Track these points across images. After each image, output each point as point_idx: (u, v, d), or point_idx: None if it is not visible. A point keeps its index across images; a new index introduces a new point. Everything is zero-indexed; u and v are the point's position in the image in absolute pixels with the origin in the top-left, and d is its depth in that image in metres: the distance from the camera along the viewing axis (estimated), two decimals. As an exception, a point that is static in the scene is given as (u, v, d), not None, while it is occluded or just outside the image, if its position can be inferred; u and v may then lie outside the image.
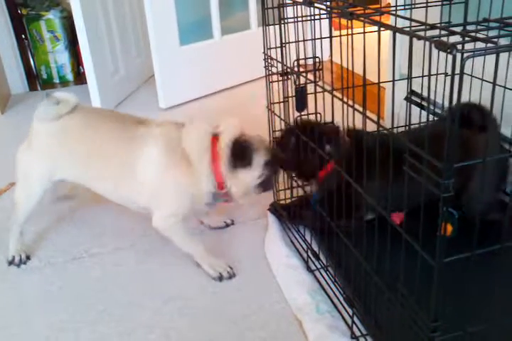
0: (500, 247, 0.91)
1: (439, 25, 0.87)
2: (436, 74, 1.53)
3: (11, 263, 1.71)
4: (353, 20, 1.05)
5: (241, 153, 1.50)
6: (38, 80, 3.87)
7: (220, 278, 1.57)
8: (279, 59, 1.60)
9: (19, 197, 1.70)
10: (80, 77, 3.88)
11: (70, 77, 3.91)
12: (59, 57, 3.85)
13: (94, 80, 3.00)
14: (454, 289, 1.00)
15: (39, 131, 1.64)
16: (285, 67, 1.59)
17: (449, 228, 1.55)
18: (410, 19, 0.94)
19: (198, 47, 3.17)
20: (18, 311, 1.53)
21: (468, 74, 1.53)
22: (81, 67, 3.88)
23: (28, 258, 1.74)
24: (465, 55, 0.69)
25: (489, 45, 0.71)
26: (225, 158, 1.50)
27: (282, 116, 1.67)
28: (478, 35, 0.74)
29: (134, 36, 3.55)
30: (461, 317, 0.95)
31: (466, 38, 0.72)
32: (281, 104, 1.66)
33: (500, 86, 1.46)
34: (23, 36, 3.75)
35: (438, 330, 0.93)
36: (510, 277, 1.08)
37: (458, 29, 0.82)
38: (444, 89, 1.41)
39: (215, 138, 1.53)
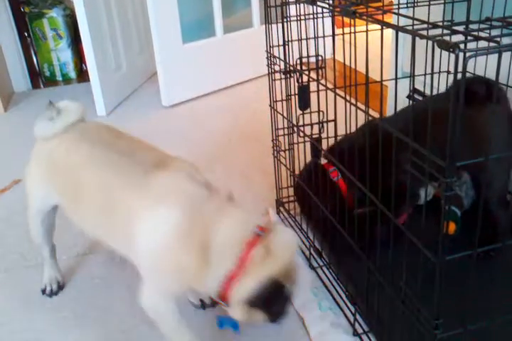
0: (502, 245, 0.91)
1: (441, 24, 0.87)
2: (439, 72, 1.54)
3: (43, 292, 1.57)
4: (356, 19, 1.06)
5: (271, 298, 1.10)
6: (40, 78, 3.89)
7: None
8: (282, 57, 1.60)
9: (27, 218, 1.51)
10: (82, 75, 3.89)
11: (72, 74, 3.92)
12: (62, 55, 3.85)
13: (97, 78, 3.01)
14: (455, 286, 1.01)
15: (37, 147, 1.42)
16: (288, 66, 1.60)
17: (452, 226, 1.55)
18: (413, 18, 0.95)
19: (201, 45, 3.17)
20: (21, 307, 1.54)
21: (470, 73, 1.53)
22: (84, 65, 3.89)
23: (60, 288, 1.58)
24: (467, 54, 0.69)
25: (491, 44, 0.71)
26: (250, 289, 1.08)
27: (285, 115, 1.68)
28: (481, 34, 0.74)
29: (137, 34, 3.55)
30: (462, 315, 0.96)
31: (469, 37, 0.72)
32: (284, 102, 1.66)
33: (502, 84, 1.47)
34: (26, 34, 3.76)
35: (440, 327, 0.94)
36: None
37: (460, 28, 0.83)
38: (446, 88, 1.42)
39: (256, 239, 1.10)
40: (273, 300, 1.10)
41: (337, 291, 1.45)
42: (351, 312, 1.34)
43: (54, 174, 1.35)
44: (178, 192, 1.14)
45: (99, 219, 1.25)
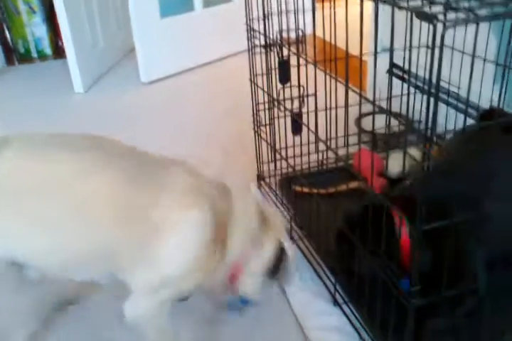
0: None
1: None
2: (418, 46, 1.55)
3: None
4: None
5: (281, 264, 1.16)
6: (15, 54, 3.79)
7: None
8: (262, 31, 1.59)
9: None
10: (58, 51, 3.80)
11: (48, 51, 3.82)
12: (36, 30, 3.76)
13: (74, 54, 2.95)
14: (432, 256, 1.04)
15: None
16: (268, 39, 1.59)
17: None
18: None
19: (179, 19, 3.12)
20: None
21: (449, 47, 1.55)
22: (59, 41, 3.80)
23: None
24: (445, 24, 0.70)
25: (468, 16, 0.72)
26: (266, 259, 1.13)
27: (265, 89, 1.68)
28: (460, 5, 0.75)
29: (114, 9, 3.47)
30: (438, 283, 0.99)
31: (445, 10, 0.73)
32: (264, 77, 1.66)
33: (480, 58, 1.48)
34: (-1, 8, 3.66)
35: (416, 295, 0.97)
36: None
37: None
38: (425, 62, 1.43)
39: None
40: (282, 265, 1.16)
41: (317, 262, 1.48)
42: (331, 282, 1.37)
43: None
44: (196, 192, 1.04)
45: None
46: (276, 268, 1.15)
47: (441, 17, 0.72)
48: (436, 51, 0.75)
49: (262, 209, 1.16)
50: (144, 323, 1.09)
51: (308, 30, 1.39)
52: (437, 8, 0.80)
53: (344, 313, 1.31)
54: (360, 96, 1.08)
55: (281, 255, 1.15)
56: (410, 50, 1.00)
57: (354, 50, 1.14)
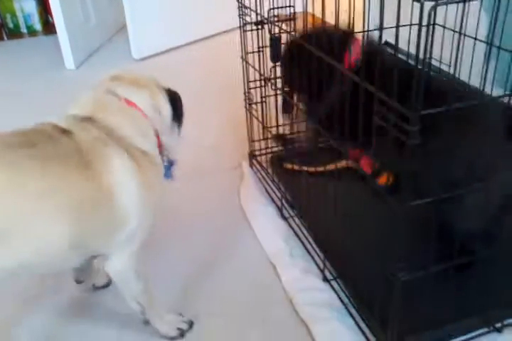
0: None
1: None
2: (410, 24, 1.54)
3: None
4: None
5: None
6: (3, 30, 3.73)
7: (181, 335, 1.25)
8: (254, 8, 1.58)
9: None
10: (48, 27, 3.75)
11: (38, 26, 3.77)
12: (25, 5, 3.69)
13: (64, 30, 2.91)
14: (417, 233, 1.06)
15: None
16: (260, 16, 1.57)
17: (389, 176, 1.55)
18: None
19: (171, -5, 3.08)
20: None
21: (439, 25, 1.54)
22: (49, 17, 3.74)
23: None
24: (432, 3, 0.70)
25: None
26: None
27: (257, 67, 1.67)
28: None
29: (104, -17, 3.42)
30: (424, 258, 1.01)
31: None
32: (256, 55, 1.65)
33: (470, 37, 1.48)
34: (-14, -18, 3.58)
35: (402, 270, 0.99)
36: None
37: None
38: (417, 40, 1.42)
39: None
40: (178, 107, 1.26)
41: (308, 239, 1.50)
42: (321, 259, 1.39)
43: None
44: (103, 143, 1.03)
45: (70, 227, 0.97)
46: (176, 112, 1.24)
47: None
48: (424, 30, 0.75)
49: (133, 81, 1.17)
50: (129, 276, 1.13)
51: (300, 8, 1.38)
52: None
53: (333, 289, 1.34)
54: (351, 76, 1.08)
55: (174, 102, 1.23)
56: (397, 29, 1.00)
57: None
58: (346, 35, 1.31)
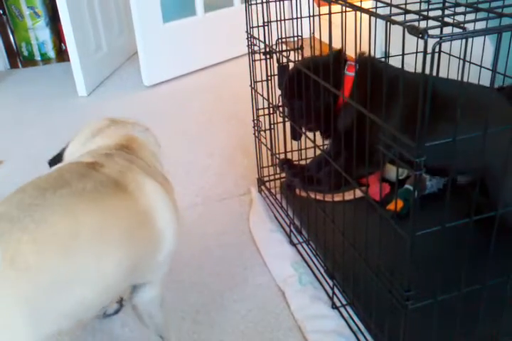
0: (470, 220, 0.96)
1: (415, 9, 0.90)
2: (416, 52, 1.57)
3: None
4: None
5: None
6: (18, 57, 3.83)
7: None
8: (262, 38, 1.62)
9: None
10: (61, 55, 3.84)
11: (51, 54, 3.86)
12: (40, 34, 3.80)
13: (77, 58, 2.98)
14: (425, 260, 1.06)
15: None
16: (268, 47, 1.61)
17: (400, 204, 1.56)
18: (390, 4, 0.98)
19: (181, 24, 3.15)
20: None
21: (446, 53, 1.57)
22: (63, 45, 3.84)
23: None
24: (436, 40, 0.72)
25: (457, 30, 0.75)
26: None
27: (265, 95, 1.70)
28: (448, 19, 0.77)
29: (117, 13, 3.51)
30: (432, 287, 1.01)
31: (436, 23, 0.76)
32: (265, 83, 1.69)
33: (474, 64, 1.51)
34: (1, 12, 3.69)
35: (411, 299, 0.99)
36: (480, 247, 1.15)
37: (437, 12, 0.86)
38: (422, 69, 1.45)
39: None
40: None
41: (316, 266, 1.50)
42: (330, 286, 1.39)
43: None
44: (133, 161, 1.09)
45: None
46: None
47: (432, 32, 0.74)
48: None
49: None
50: (157, 306, 1.17)
51: (307, 35, 1.42)
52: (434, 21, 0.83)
53: (342, 316, 1.34)
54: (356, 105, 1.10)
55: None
56: (403, 58, 1.03)
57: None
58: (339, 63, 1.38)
